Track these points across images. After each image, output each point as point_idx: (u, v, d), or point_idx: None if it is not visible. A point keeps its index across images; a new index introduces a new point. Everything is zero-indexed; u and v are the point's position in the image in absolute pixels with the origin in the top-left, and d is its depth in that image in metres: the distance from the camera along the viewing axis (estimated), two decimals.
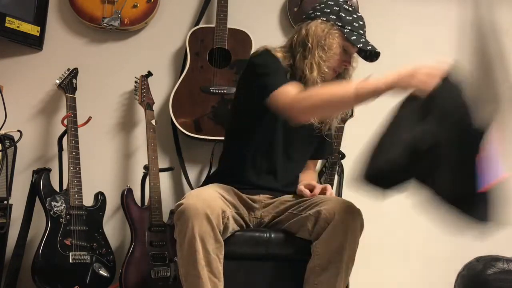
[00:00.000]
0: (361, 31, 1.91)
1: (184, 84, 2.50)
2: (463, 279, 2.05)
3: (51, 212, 2.17)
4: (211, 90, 2.48)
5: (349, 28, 1.88)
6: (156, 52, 2.66)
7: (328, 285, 1.62)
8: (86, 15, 2.54)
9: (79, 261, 2.19)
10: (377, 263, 2.67)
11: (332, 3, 1.92)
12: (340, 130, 2.57)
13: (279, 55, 1.87)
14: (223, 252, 1.63)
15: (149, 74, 2.53)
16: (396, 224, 2.71)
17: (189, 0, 2.70)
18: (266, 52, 1.87)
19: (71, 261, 2.16)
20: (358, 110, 2.61)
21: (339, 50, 1.88)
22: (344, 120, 2.60)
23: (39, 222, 2.29)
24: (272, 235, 1.75)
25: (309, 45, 1.84)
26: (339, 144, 2.55)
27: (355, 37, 1.87)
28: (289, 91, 1.67)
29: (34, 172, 2.27)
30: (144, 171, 2.43)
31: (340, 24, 1.87)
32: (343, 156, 2.55)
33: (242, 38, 2.56)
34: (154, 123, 2.45)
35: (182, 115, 2.48)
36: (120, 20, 2.53)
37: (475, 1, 2.87)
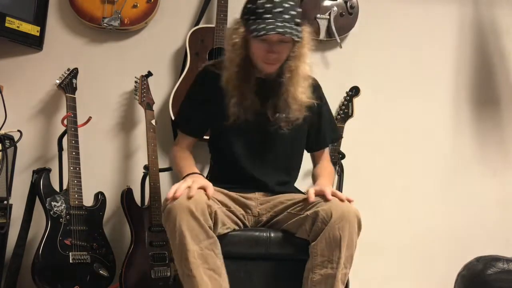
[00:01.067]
0: (267, 15, 1.69)
1: (184, 84, 2.50)
2: (463, 279, 2.05)
3: (51, 212, 2.17)
4: None
5: (253, 17, 1.72)
6: (156, 52, 2.66)
7: (326, 286, 1.62)
8: (86, 15, 2.54)
9: (79, 261, 2.19)
10: (377, 262, 2.67)
11: None
12: (340, 130, 2.57)
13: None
14: (219, 247, 1.61)
15: (149, 74, 2.53)
16: (396, 224, 2.72)
17: (189, 0, 2.70)
18: (196, 77, 1.97)
19: (71, 261, 2.16)
20: (358, 110, 2.61)
21: (243, 43, 1.78)
22: (344, 120, 2.60)
23: (39, 222, 2.29)
24: (272, 235, 1.75)
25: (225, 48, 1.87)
26: (339, 144, 2.55)
27: (256, 25, 1.69)
28: (177, 143, 1.98)
29: (34, 172, 2.26)
30: (144, 171, 2.43)
31: (246, 16, 1.75)
32: (343, 156, 2.55)
33: None
34: (154, 123, 2.45)
35: None
36: (120, 20, 2.53)
37: (475, 1, 2.88)
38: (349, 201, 1.70)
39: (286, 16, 1.69)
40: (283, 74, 1.83)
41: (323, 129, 2.00)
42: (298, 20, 1.73)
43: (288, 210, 1.78)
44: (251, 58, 1.81)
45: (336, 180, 2.57)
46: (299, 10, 1.74)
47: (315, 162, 2.06)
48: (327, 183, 1.84)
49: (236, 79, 1.80)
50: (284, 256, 1.76)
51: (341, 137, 2.07)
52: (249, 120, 1.82)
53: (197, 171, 1.81)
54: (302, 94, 1.84)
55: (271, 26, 1.66)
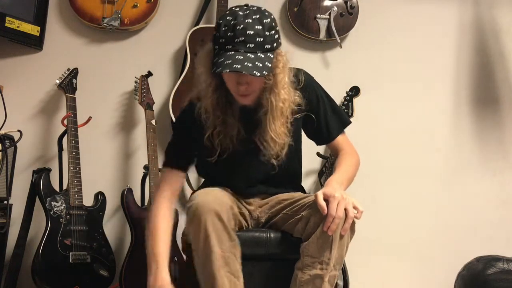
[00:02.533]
0: (228, 46, 1.53)
1: (184, 84, 2.50)
2: (463, 279, 2.05)
3: (51, 212, 2.17)
4: None
5: (217, 47, 1.56)
6: (156, 52, 2.66)
7: (313, 286, 1.61)
8: (86, 15, 2.54)
9: (79, 261, 2.19)
10: (377, 262, 2.67)
11: (220, 19, 1.59)
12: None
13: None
14: (239, 250, 1.61)
15: (149, 74, 2.53)
16: (396, 224, 2.71)
17: (189, 0, 2.70)
18: (178, 117, 1.88)
19: (71, 261, 2.16)
20: (358, 110, 2.61)
21: (210, 78, 1.63)
22: None
23: (39, 222, 2.30)
24: (272, 235, 1.75)
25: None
26: None
27: (217, 58, 1.54)
28: (161, 188, 1.77)
29: (34, 172, 2.27)
30: (144, 171, 2.43)
31: (213, 44, 1.59)
32: None
33: None
34: (154, 123, 2.45)
35: None
36: (120, 20, 2.53)
37: (475, 1, 2.88)
38: (356, 217, 1.57)
39: (251, 45, 1.52)
40: (261, 106, 1.68)
41: (325, 123, 1.84)
42: (267, 46, 1.55)
43: (285, 211, 1.76)
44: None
45: None
46: (269, 22, 1.55)
47: (334, 152, 1.90)
48: (340, 181, 1.67)
49: (216, 108, 1.67)
50: (283, 257, 1.75)
51: (350, 122, 1.91)
52: (238, 150, 1.71)
53: (166, 269, 1.64)
54: (281, 127, 1.68)
55: (229, 61, 1.49)
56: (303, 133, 1.88)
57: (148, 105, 2.46)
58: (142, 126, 2.58)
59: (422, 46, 2.82)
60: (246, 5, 1.59)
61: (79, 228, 2.23)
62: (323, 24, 2.64)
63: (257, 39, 1.53)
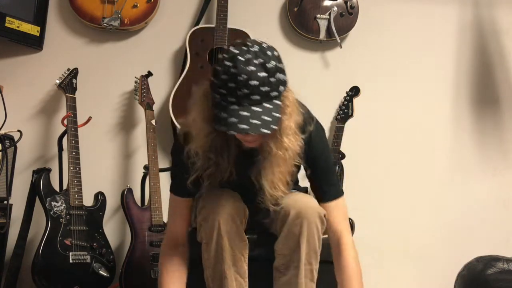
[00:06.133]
0: (231, 99, 1.35)
1: (184, 84, 2.50)
2: (463, 279, 2.05)
3: (51, 212, 2.17)
4: None
5: (218, 96, 1.38)
6: (156, 52, 2.66)
7: (291, 285, 1.60)
8: (86, 15, 2.54)
9: (79, 261, 2.19)
10: (377, 262, 2.67)
11: (218, 65, 1.40)
12: (340, 130, 2.57)
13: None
14: (247, 251, 1.63)
15: (149, 74, 2.53)
16: (395, 224, 2.71)
17: (189, 0, 2.70)
18: (172, 150, 1.68)
19: (71, 261, 2.16)
20: (358, 110, 2.61)
21: (212, 118, 1.42)
22: (344, 120, 2.61)
23: (39, 222, 2.29)
24: (255, 236, 1.73)
25: None
26: (339, 144, 2.55)
27: (218, 110, 1.38)
28: (164, 246, 1.67)
29: (34, 172, 2.26)
30: (144, 171, 2.43)
31: (211, 91, 1.41)
32: (343, 156, 2.55)
33: (242, 38, 2.56)
34: (154, 123, 2.45)
35: (182, 115, 2.47)
36: (120, 20, 2.53)
37: (475, 1, 2.88)
38: None
39: (256, 97, 1.35)
40: (261, 150, 1.54)
41: (320, 182, 1.69)
42: (273, 93, 1.38)
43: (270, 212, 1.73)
44: None
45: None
46: (274, 65, 1.37)
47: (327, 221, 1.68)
48: None
49: (208, 151, 1.52)
50: (268, 257, 1.74)
51: (342, 194, 1.72)
52: (233, 181, 1.61)
53: None
54: (280, 176, 1.55)
55: (233, 120, 1.33)
56: None
57: (148, 105, 2.46)
58: (142, 126, 2.58)
59: (422, 46, 2.82)
60: (245, 44, 1.40)
61: (79, 228, 2.23)
62: (323, 24, 2.64)
63: (262, 88, 1.35)
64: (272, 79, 1.37)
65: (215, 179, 1.58)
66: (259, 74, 1.35)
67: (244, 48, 1.38)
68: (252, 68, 1.34)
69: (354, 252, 1.65)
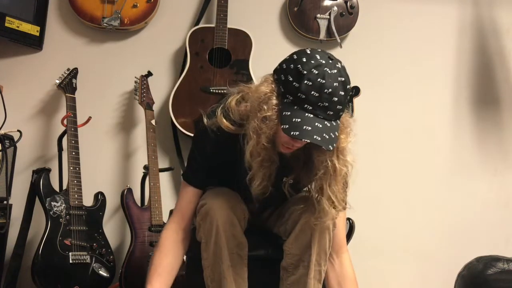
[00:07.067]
0: (309, 107, 1.37)
1: (184, 84, 2.50)
2: (463, 279, 2.05)
3: (51, 212, 2.17)
4: (211, 90, 2.48)
5: (292, 98, 1.39)
6: (156, 52, 2.66)
7: (299, 284, 1.62)
8: (86, 15, 2.54)
9: (79, 261, 2.18)
10: (376, 262, 2.67)
11: (295, 55, 1.42)
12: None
13: (225, 126, 1.52)
14: (247, 251, 1.63)
15: (149, 74, 2.53)
16: (395, 224, 2.71)
17: (189, 0, 2.70)
18: (198, 137, 1.65)
19: (71, 261, 2.16)
20: (358, 110, 2.61)
21: (277, 118, 1.42)
22: None
23: (39, 222, 2.29)
24: (255, 236, 1.73)
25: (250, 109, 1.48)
26: None
27: (290, 112, 1.38)
28: (168, 223, 1.67)
29: (34, 172, 2.26)
30: (144, 171, 2.43)
31: (284, 90, 1.40)
32: None
33: (242, 38, 2.56)
34: (154, 123, 2.45)
35: (182, 115, 2.48)
36: (120, 20, 2.52)
37: (475, 1, 2.88)
38: None
39: (330, 113, 1.38)
40: (320, 167, 1.51)
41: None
42: (341, 113, 1.42)
43: (274, 213, 1.77)
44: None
45: None
46: (349, 87, 1.43)
47: None
48: None
49: (264, 157, 1.48)
50: (268, 257, 1.74)
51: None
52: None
53: None
54: (337, 196, 1.53)
55: (307, 128, 1.35)
56: None
57: (148, 105, 2.46)
58: (142, 126, 2.58)
59: (422, 46, 2.82)
60: (331, 57, 1.42)
61: (79, 228, 2.22)
62: (323, 24, 2.64)
63: (338, 107, 1.39)
64: (346, 100, 1.41)
65: (264, 186, 1.53)
66: (340, 92, 1.39)
67: (331, 61, 1.41)
68: (336, 84, 1.38)
69: (349, 255, 1.75)
